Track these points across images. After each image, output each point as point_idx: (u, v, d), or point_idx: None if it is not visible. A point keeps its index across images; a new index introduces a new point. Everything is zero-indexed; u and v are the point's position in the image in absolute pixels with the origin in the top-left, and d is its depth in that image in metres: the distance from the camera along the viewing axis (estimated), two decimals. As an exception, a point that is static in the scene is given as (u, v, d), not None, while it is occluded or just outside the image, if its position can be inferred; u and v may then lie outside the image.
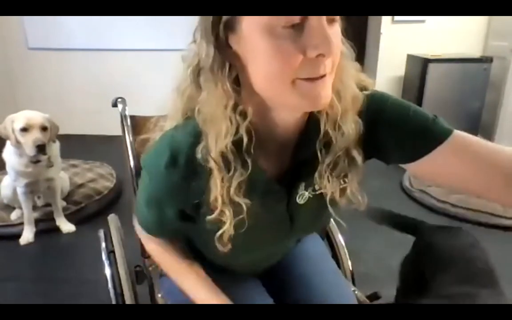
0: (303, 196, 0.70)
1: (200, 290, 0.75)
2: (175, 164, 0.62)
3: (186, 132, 0.63)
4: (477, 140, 0.63)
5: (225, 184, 0.60)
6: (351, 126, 0.63)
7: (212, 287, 0.76)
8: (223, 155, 0.59)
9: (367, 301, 0.98)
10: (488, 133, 3.67)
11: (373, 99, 0.67)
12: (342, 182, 0.68)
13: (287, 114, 0.62)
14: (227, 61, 0.57)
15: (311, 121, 0.64)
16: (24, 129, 2.00)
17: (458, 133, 0.63)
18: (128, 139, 1.12)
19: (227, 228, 0.63)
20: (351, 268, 1.09)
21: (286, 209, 0.71)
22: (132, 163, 1.10)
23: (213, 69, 0.57)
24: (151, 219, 0.74)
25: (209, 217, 0.63)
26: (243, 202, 0.61)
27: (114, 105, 1.15)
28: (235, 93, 0.57)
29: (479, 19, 3.67)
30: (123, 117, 1.14)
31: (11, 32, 3.81)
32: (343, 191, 0.69)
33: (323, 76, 0.55)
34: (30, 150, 2.01)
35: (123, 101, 1.15)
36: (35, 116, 2.04)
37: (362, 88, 0.66)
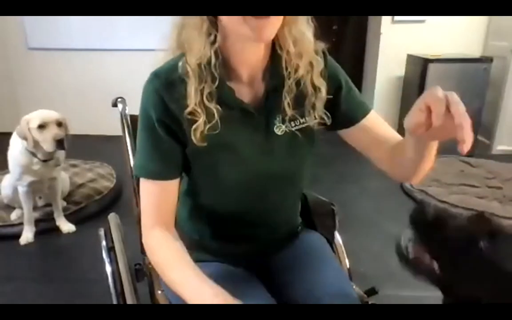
0: (280, 128, 0.81)
1: (203, 290, 0.71)
2: (156, 76, 0.77)
3: (168, 62, 0.79)
4: (381, 123, 0.86)
5: (199, 91, 0.74)
6: (312, 58, 0.78)
7: (214, 286, 0.71)
8: (199, 67, 0.73)
9: (365, 297, 0.98)
10: (488, 133, 3.67)
11: (330, 58, 0.83)
12: (310, 112, 0.81)
13: (248, 45, 0.75)
14: None
15: (274, 55, 0.78)
16: (41, 126, 2.01)
17: (373, 112, 0.86)
18: (128, 138, 1.12)
19: (200, 124, 0.74)
20: (349, 267, 1.09)
21: (265, 138, 0.80)
22: (132, 163, 1.10)
23: None
24: (148, 149, 0.79)
25: (185, 110, 0.74)
26: (214, 107, 0.74)
27: (114, 105, 1.16)
28: (209, 22, 0.72)
29: (479, 19, 3.67)
30: (123, 116, 1.14)
31: (11, 32, 3.82)
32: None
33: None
34: (49, 146, 2.02)
35: (123, 101, 1.15)
36: (50, 113, 2.07)
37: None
